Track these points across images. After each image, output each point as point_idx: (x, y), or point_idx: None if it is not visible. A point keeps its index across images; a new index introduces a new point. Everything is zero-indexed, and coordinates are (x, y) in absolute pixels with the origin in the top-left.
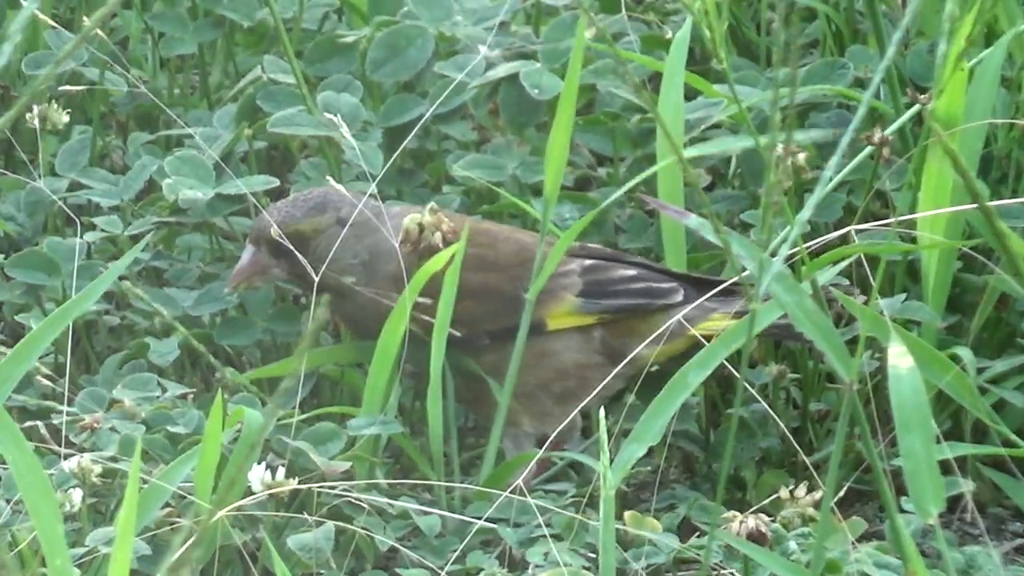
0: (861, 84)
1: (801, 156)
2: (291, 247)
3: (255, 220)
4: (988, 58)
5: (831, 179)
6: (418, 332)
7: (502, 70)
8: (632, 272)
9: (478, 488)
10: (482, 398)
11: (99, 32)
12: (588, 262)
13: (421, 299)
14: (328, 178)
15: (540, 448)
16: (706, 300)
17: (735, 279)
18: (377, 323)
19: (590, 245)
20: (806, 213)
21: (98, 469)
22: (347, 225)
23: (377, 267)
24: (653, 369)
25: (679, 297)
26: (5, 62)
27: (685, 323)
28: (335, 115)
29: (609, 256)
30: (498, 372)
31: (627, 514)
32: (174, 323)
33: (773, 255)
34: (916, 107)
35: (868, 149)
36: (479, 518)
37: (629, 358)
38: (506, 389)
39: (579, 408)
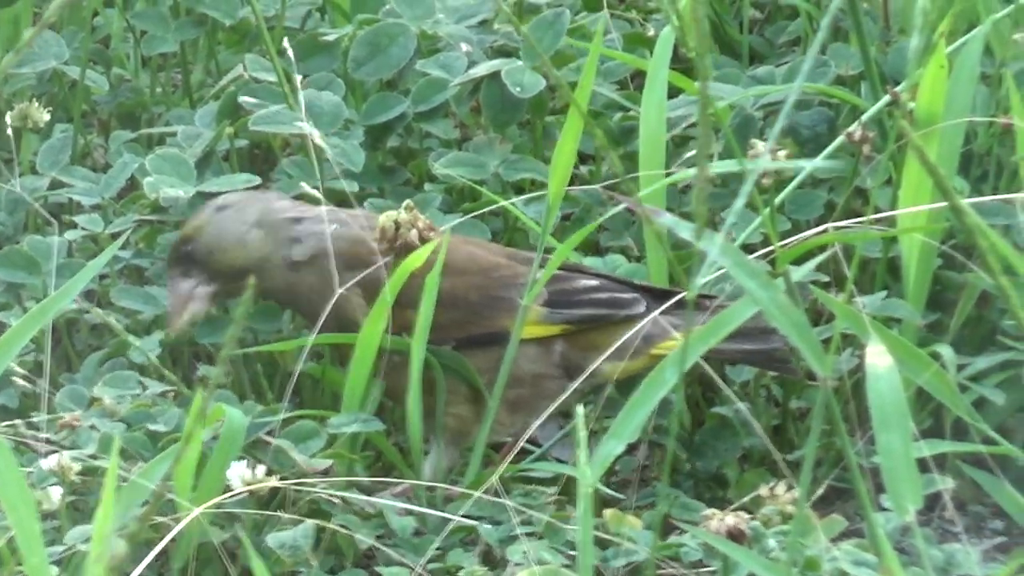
0: (843, 82)
1: (781, 153)
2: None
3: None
4: (965, 54)
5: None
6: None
7: (484, 68)
8: (595, 282)
9: (458, 489)
10: (401, 387)
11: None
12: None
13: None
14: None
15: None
16: (669, 315)
17: (687, 292)
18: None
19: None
20: (740, 201)
21: (77, 467)
22: (223, 208)
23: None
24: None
25: (642, 308)
26: None
27: (645, 342)
28: (309, 120)
29: (568, 267)
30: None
31: (607, 512)
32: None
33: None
34: (884, 100)
35: (837, 140)
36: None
37: (587, 372)
38: (495, 395)
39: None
